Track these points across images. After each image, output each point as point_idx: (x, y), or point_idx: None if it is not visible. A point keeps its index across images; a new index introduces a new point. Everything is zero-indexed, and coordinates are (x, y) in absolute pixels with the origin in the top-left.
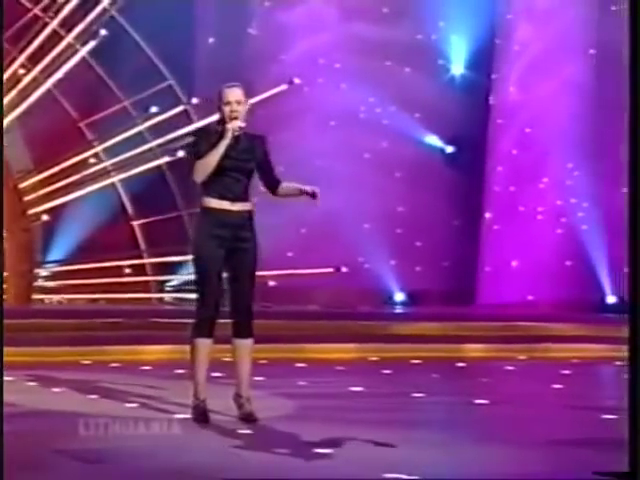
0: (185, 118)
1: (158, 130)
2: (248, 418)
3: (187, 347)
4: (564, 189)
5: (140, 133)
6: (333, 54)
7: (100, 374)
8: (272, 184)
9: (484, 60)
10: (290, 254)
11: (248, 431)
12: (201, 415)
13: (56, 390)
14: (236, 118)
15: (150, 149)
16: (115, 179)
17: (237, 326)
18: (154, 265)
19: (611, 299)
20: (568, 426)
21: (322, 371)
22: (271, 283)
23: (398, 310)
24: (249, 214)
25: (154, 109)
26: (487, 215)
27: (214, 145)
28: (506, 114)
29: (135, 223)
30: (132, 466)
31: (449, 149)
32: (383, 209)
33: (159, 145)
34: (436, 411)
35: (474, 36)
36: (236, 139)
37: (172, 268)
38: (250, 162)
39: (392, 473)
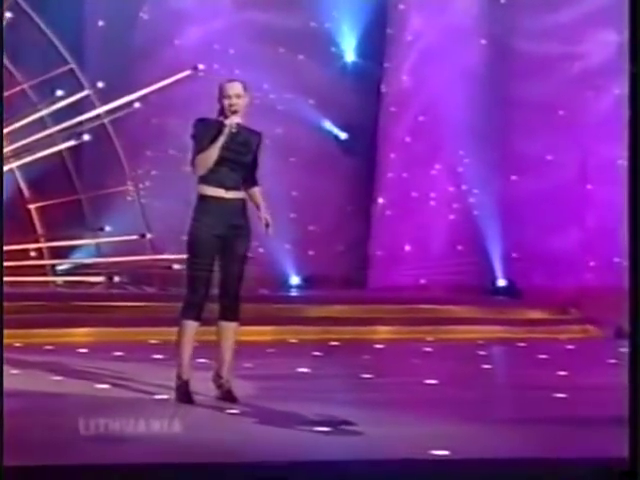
0: (87, 103)
1: (59, 115)
2: (227, 397)
3: (114, 329)
4: (456, 176)
5: (40, 117)
6: (227, 40)
7: (43, 356)
8: (249, 181)
9: (376, 49)
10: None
11: (236, 410)
12: (185, 395)
13: (15, 372)
14: (235, 112)
15: (50, 135)
16: (14, 165)
17: (224, 309)
18: (50, 249)
19: (501, 282)
20: (526, 405)
21: (255, 353)
22: (175, 267)
23: (296, 293)
24: (243, 202)
25: (59, 93)
26: (380, 201)
27: (214, 139)
28: (399, 102)
29: (32, 206)
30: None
31: (343, 135)
32: (278, 194)
33: (61, 130)
34: (397, 391)
35: (366, 25)
36: (235, 133)
37: (67, 252)
38: (247, 155)
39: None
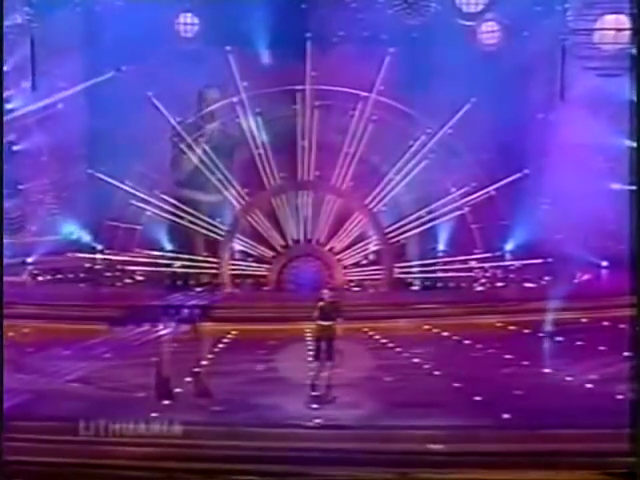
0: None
1: None
2: (204, 393)
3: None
4: (376, 175)
5: None
6: (148, 41)
7: None
8: (226, 183)
9: (298, 51)
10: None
11: (219, 408)
12: (165, 392)
13: None
14: (214, 116)
15: None
16: None
17: (203, 308)
18: None
19: (419, 278)
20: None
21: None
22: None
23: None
24: (222, 203)
25: None
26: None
27: (193, 143)
28: (319, 101)
29: None
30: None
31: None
32: None
33: None
34: (363, 384)
35: (288, 27)
36: (214, 137)
37: None
38: (225, 158)
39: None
